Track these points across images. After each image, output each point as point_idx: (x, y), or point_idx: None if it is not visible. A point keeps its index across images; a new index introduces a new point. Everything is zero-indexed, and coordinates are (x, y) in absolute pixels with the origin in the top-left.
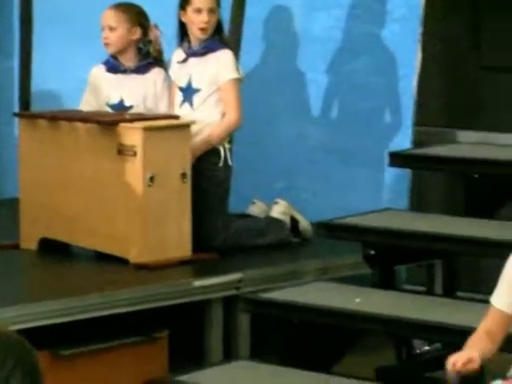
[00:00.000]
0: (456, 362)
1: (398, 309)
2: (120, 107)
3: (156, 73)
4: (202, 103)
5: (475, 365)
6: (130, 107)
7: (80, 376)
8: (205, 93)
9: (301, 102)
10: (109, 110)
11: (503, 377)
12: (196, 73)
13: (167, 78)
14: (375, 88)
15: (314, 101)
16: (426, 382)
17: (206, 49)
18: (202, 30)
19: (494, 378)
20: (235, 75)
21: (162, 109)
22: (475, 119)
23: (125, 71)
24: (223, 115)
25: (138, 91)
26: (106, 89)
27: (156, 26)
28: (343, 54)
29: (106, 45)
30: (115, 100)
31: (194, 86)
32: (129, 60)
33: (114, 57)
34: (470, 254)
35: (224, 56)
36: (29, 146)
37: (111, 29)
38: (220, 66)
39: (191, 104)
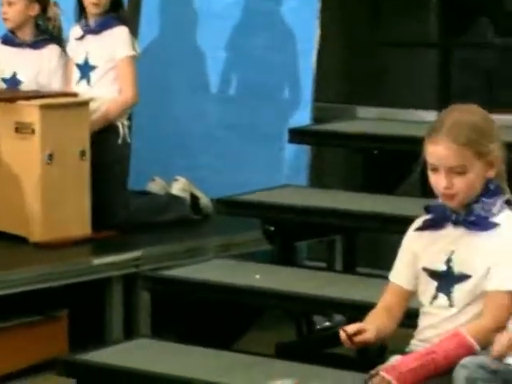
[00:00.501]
0: (345, 329)
1: (299, 285)
2: (13, 82)
3: (51, 49)
4: (99, 80)
5: (368, 335)
6: (22, 82)
7: None
8: (101, 70)
9: (200, 78)
10: (2, 84)
11: (402, 352)
12: (92, 50)
13: (63, 55)
14: (274, 64)
15: (213, 77)
16: (326, 358)
17: (102, 26)
18: (95, 4)
19: (394, 353)
20: (131, 52)
21: (55, 86)
22: (375, 95)
23: (20, 45)
24: (120, 92)
25: (32, 66)
26: (0, 62)
27: (56, 4)
28: (242, 31)
29: (5, 20)
30: (8, 74)
31: (91, 63)
32: (26, 35)
33: (12, 32)
34: (369, 230)
35: (119, 33)
36: None
37: (10, 4)
38: (116, 43)
39: (88, 81)
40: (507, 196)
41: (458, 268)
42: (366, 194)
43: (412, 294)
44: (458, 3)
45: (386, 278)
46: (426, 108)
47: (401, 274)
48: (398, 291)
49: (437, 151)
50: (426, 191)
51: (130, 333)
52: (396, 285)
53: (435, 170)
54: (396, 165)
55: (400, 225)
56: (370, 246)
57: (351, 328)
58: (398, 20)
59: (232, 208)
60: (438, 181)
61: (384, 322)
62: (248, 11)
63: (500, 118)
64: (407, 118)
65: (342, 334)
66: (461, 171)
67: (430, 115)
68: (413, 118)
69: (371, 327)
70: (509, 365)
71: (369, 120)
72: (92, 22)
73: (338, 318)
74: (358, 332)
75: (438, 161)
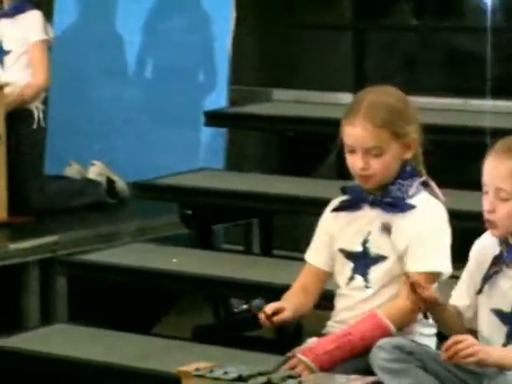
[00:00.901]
0: (264, 310)
1: (216, 268)
2: None
3: None
4: (13, 64)
5: (286, 314)
6: None
7: None
8: (15, 54)
9: (116, 62)
10: None
11: (319, 334)
12: (6, 34)
13: None
14: (190, 47)
15: (128, 61)
16: (244, 340)
17: (16, 10)
18: None
19: (310, 335)
20: (43, 36)
21: None
22: (290, 78)
23: None
24: (32, 76)
25: None
26: None
27: None
28: (158, 14)
29: None
30: None
31: (5, 47)
32: None
33: None
34: (286, 212)
35: (32, 17)
36: None
37: None
38: (28, 27)
39: (2, 65)
40: (423, 178)
41: (374, 249)
42: (282, 176)
43: (328, 275)
44: None
45: (303, 260)
46: (342, 90)
47: (317, 254)
48: (314, 272)
49: (354, 132)
50: (342, 173)
51: (47, 318)
52: (312, 265)
53: (352, 151)
54: (312, 147)
55: (316, 207)
56: (287, 228)
57: (269, 308)
58: (313, 2)
59: (148, 192)
60: (354, 162)
61: (301, 301)
62: None
63: (417, 101)
64: (323, 101)
65: (261, 315)
66: (377, 153)
67: (346, 97)
68: (329, 100)
69: (289, 306)
70: (424, 345)
71: (285, 102)
72: (6, 5)
73: (256, 300)
74: (277, 311)
75: (354, 142)
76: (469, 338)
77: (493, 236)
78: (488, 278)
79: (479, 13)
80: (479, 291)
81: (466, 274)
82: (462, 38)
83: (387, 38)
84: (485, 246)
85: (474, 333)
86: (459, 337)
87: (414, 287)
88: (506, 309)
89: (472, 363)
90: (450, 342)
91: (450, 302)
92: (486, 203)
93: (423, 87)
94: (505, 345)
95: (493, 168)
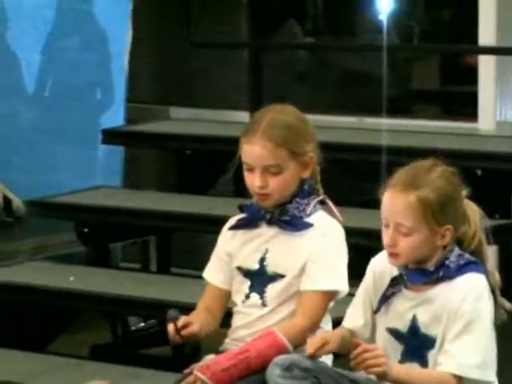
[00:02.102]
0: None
1: (113, 286)
2: None
3: None
4: None
5: (195, 328)
6: None
7: None
8: None
9: (12, 80)
10: None
11: (216, 351)
12: None
13: None
14: (87, 65)
15: (25, 79)
16: (142, 358)
17: None
18: None
19: (208, 352)
20: None
21: None
22: (188, 96)
23: None
24: None
25: None
26: None
27: None
28: (54, 32)
29: None
30: None
31: None
32: None
33: None
34: (183, 230)
35: None
36: None
37: None
38: None
39: None
40: (321, 197)
41: (271, 267)
42: (180, 194)
43: (229, 294)
44: (268, 4)
45: (200, 278)
46: (239, 108)
47: (216, 273)
48: (215, 291)
49: (252, 151)
50: (240, 191)
51: None
52: (213, 285)
53: (250, 169)
54: (209, 165)
55: (214, 225)
56: (185, 246)
57: (181, 321)
58: (209, 20)
59: (45, 210)
60: (252, 180)
61: (206, 321)
62: (59, 12)
63: (313, 119)
64: (220, 119)
65: (171, 327)
66: (276, 171)
67: (242, 115)
68: (225, 118)
69: (196, 321)
70: (321, 362)
71: (182, 120)
72: None
73: (171, 311)
74: (185, 325)
75: (253, 160)
76: (378, 349)
77: (393, 265)
78: (385, 298)
79: (375, 32)
80: (376, 311)
81: (361, 292)
82: (358, 57)
83: (283, 57)
84: (382, 265)
85: None
86: (369, 346)
87: (179, 332)
88: (402, 329)
89: (375, 374)
90: (359, 349)
91: (345, 323)
92: (387, 237)
93: (319, 105)
94: (400, 363)
95: (391, 203)
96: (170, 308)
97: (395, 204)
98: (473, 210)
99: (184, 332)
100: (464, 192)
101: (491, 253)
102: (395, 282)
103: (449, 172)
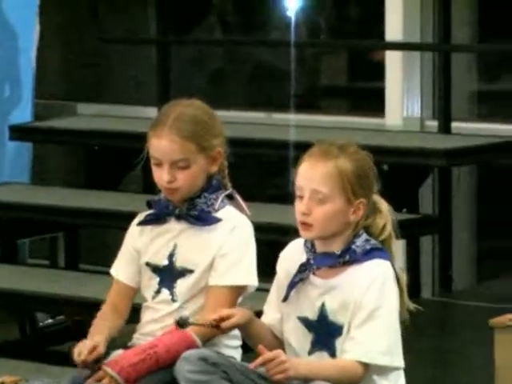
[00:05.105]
0: (80, 352)
1: (21, 283)
2: None
3: None
4: None
5: (100, 349)
6: None
7: None
8: None
9: None
10: None
11: (125, 346)
12: None
13: None
14: None
15: None
16: (50, 355)
17: None
18: None
19: (117, 347)
20: None
21: None
22: (96, 92)
23: None
24: None
25: None
26: None
27: None
28: None
29: None
30: None
31: None
32: None
33: None
34: (91, 226)
35: None
36: None
37: None
38: None
39: None
40: (229, 191)
41: (180, 263)
42: (88, 190)
43: (136, 290)
44: (177, 1)
45: (109, 274)
46: (147, 104)
47: (124, 270)
48: (122, 288)
49: (160, 145)
50: (148, 187)
51: None
52: (120, 282)
53: (158, 164)
54: (118, 161)
55: (122, 221)
56: (94, 242)
57: (85, 348)
58: (118, 16)
59: None
60: (161, 175)
61: (113, 323)
62: None
63: (223, 114)
64: (129, 115)
65: (79, 360)
66: (184, 165)
67: (151, 111)
68: (134, 114)
69: (101, 340)
70: (230, 357)
71: (89, 116)
72: None
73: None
74: (92, 350)
75: (161, 154)
76: (279, 355)
77: (305, 238)
78: (293, 285)
79: (283, 27)
80: (285, 299)
81: (274, 289)
82: (267, 53)
83: (192, 52)
84: (291, 254)
85: None
86: (269, 354)
87: (218, 325)
88: (311, 317)
89: (281, 380)
90: (259, 360)
91: (263, 319)
92: (302, 206)
93: (228, 101)
94: (310, 352)
95: (309, 171)
96: None
97: (314, 171)
98: (382, 203)
99: (89, 357)
100: (376, 184)
101: (399, 247)
102: (303, 268)
103: (363, 152)
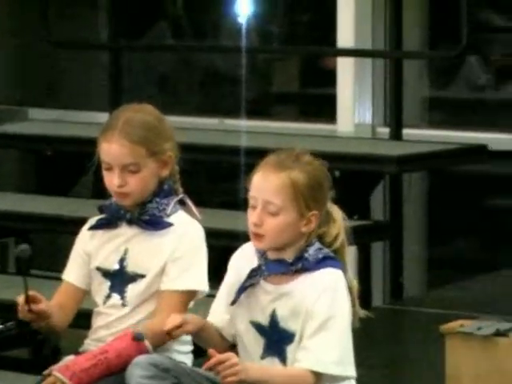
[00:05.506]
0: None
1: None
2: None
3: None
4: None
5: (42, 306)
6: None
7: None
8: None
9: None
10: None
11: (76, 352)
12: None
13: None
14: None
15: None
16: (1, 361)
17: None
18: None
19: (68, 353)
20: None
21: None
22: (48, 97)
23: None
24: None
25: None
26: None
27: None
28: None
29: None
30: None
31: None
32: None
33: None
34: (42, 231)
35: None
36: None
37: None
38: None
39: None
40: (180, 196)
41: (131, 268)
42: (39, 196)
43: (84, 294)
44: (130, 6)
45: (60, 279)
46: (99, 110)
47: (73, 272)
48: (70, 290)
49: (110, 149)
50: (98, 192)
51: None
52: (69, 283)
53: (109, 168)
54: (70, 166)
55: (73, 226)
56: (45, 247)
57: (25, 299)
58: (70, 20)
59: None
60: (111, 179)
61: (57, 317)
62: None
63: (174, 120)
64: (80, 120)
65: (21, 299)
66: (134, 169)
67: (103, 117)
68: (85, 119)
69: (45, 303)
70: (181, 362)
71: (41, 121)
72: None
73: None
74: (33, 300)
75: (111, 159)
76: (231, 358)
77: (257, 248)
78: (243, 289)
79: (235, 33)
80: (233, 302)
81: (224, 289)
82: (219, 59)
83: (144, 58)
84: (243, 259)
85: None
86: (222, 356)
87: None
88: (263, 322)
89: (233, 382)
90: (212, 361)
91: (209, 319)
92: (254, 217)
93: (180, 107)
94: (262, 357)
95: (262, 181)
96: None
97: (267, 182)
98: (337, 212)
99: (34, 307)
100: (331, 192)
101: (350, 254)
102: (254, 274)
103: (318, 162)
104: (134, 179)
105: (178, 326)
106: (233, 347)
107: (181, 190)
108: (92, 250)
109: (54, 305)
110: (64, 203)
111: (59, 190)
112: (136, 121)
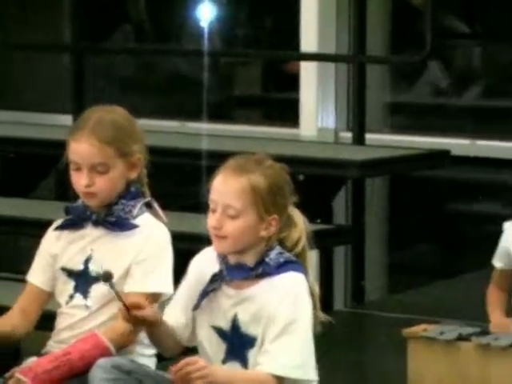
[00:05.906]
0: None
1: None
2: None
3: None
4: None
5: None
6: None
7: None
8: None
9: None
10: None
11: (39, 354)
12: None
13: None
14: None
15: None
16: None
17: None
18: None
19: (30, 355)
20: None
21: None
22: (7, 98)
23: None
24: None
25: None
26: None
27: None
28: None
29: None
30: None
31: None
32: None
33: None
34: (5, 234)
35: None
36: None
37: None
38: None
39: None
40: (147, 199)
41: (95, 268)
42: (1, 197)
43: (49, 296)
44: (93, 8)
45: (24, 281)
46: (61, 112)
47: (38, 274)
48: (34, 292)
49: (79, 148)
50: (61, 194)
51: None
52: (33, 285)
53: (77, 168)
54: (32, 168)
55: (37, 228)
56: (8, 249)
57: None
58: (31, 23)
59: None
60: (79, 179)
61: (19, 323)
62: None
63: (144, 123)
64: (42, 122)
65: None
66: (102, 170)
67: (66, 119)
68: (48, 121)
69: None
70: (144, 365)
71: (3, 123)
72: None
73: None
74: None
75: (80, 158)
76: (199, 361)
77: (217, 252)
78: (205, 294)
79: (198, 37)
80: (195, 307)
81: (183, 291)
82: (181, 62)
83: (106, 60)
84: (204, 262)
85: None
86: (190, 359)
87: (129, 308)
88: (225, 326)
89: None
90: (181, 363)
91: (165, 319)
92: (213, 220)
93: (141, 109)
94: (224, 361)
95: (222, 185)
96: None
97: (226, 185)
98: (298, 216)
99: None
100: (292, 197)
101: (312, 258)
102: (215, 278)
103: (279, 166)
104: (103, 179)
105: (139, 307)
106: (185, 352)
107: (148, 192)
108: (57, 250)
109: (16, 312)
110: (26, 205)
111: (21, 191)
112: (106, 121)
